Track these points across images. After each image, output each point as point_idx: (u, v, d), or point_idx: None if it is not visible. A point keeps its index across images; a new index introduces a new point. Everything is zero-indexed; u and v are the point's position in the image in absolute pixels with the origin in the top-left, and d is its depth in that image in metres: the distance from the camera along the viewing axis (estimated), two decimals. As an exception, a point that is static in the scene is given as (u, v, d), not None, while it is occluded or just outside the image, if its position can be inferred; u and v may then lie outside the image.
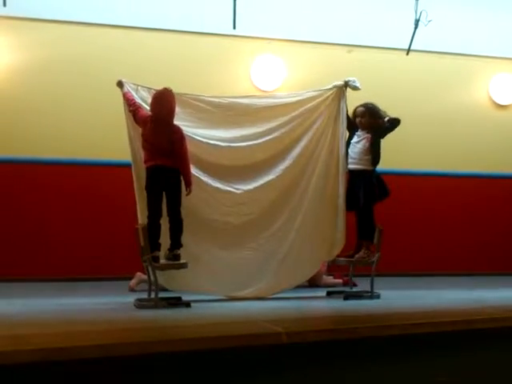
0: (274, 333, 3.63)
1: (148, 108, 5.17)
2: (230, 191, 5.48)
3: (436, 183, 7.80)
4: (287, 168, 5.64)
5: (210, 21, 7.20)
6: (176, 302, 4.96)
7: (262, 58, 7.47)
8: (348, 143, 5.72)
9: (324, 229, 5.67)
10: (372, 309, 4.98)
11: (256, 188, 5.55)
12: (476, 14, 7.84)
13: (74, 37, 6.93)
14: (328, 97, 5.72)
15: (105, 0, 7.08)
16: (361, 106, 5.73)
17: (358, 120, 5.73)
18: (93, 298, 5.49)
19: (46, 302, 5.23)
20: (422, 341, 3.87)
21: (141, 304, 4.91)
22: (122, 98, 5.26)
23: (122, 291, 5.83)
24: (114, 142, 6.34)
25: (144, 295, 5.06)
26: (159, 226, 5.04)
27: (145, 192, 5.08)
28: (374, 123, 5.68)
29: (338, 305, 5.34)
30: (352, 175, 5.69)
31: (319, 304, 5.63)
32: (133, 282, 5.97)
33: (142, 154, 5.14)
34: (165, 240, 5.06)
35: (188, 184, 5.08)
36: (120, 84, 5.28)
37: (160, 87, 5.15)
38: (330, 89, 5.73)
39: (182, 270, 5.06)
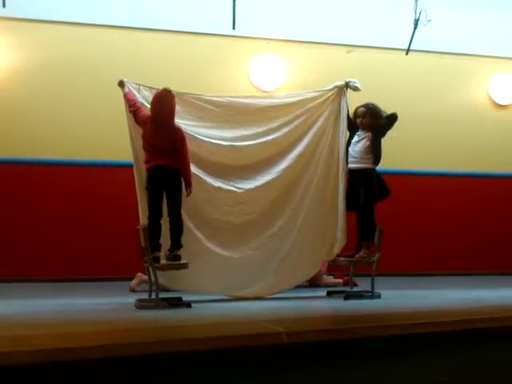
0: (274, 333, 3.63)
1: (150, 108, 5.18)
2: (231, 190, 5.48)
3: (436, 183, 7.80)
4: (288, 168, 5.64)
5: (209, 21, 7.20)
6: (176, 303, 4.96)
7: (262, 58, 7.47)
8: (348, 143, 5.73)
9: (325, 228, 5.67)
10: (372, 309, 4.98)
11: (257, 187, 5.55)
12: (475, 14, 7.83)
13: (73, 37, 6.92)
14: (329, 97, 5.73)
15: (104, 1, 7.08)
16: (362, 106, 5.74)
17: (358, 120, 5.74)
18: (93, 298, 5.49)
19: (45, 303, 5.23)
20: (421, 341, 3.87)
21: (141, 304, 4.91)
22: (121, 99, 5.27)
23: (122, 292, 5.83)
24: (114, 142, 6.37)
25: (145, 296, 5.07)
26: (160, 226, 5.04)
27: (146, 192, 5.09)
28: (374, 123, 5.69)
29: (339, 305, 5.34)
30: (352, 174, 5.70)
31: (319, 304, 5.63)
32: (133, 282, 5.97)
33: (143, 154, 5.15)
34: (165, 240, 5.06)
35: (188, 184, 5.08)
36: (121, 84, 5.28)
37: (160, 87, 5.15)
38: (331, 89, 5.74)
39: (183, 270, 5.06)
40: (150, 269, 4.94)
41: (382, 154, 5.70)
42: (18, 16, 6.78)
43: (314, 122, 5.72)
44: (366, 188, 5.61)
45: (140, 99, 5.26)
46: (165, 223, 5.07)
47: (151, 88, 5.29)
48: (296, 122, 5.69)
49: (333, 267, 6.44)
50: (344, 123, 5.70)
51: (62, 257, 6.71)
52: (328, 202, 5.69)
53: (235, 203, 5.48)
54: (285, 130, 5.66)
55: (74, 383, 3.13)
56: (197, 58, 7.15)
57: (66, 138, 6.87)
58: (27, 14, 6.79)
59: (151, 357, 3.25)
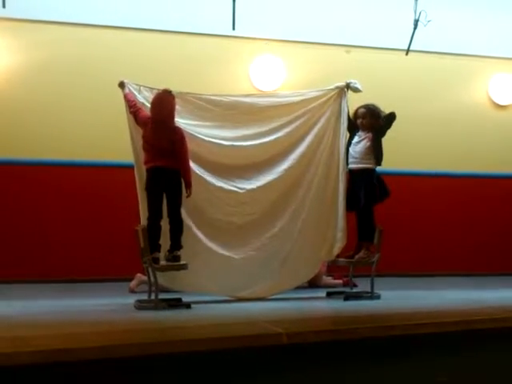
0: (274, 333, 3.62)
1: (151, 108, 5.18)
2: (233, 190, 5.48)
3: (436, 183, 7.80)
4: (290, 168, 5.64)
5: (209, 22, 7.20)
6: (176, 303, 4.95)
7: (261, 59, 7.47)
8: (349, 143, 5.73)
9: (325, 229, 5.67)
10: (372, 309, 4.98)
11: (259, 187, 5.55)
12: (475, 14, 7.82)
13: (73, 38, 6.92)
14: (331, 97, 5.72)
15: (104, 1, 7.08)
16: (362, 107, 5.74)
17: (359, 121, 5.74)
18: (93, 299, 5.49)
19: (45, 304, 5.23)
20: (421, 341, 3.87)
21: (141, 305, 4.91)
22: (121, 99, 5.28)
23: (122, 292, 5.83)
24: (114, 142, 6.37)
25: (144, 296, 5.06)
26: (159, 227, 5.04)
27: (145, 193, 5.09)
28: (375, 124, 5.69)
29: (339, 305, 5.34)
30: (353, 175, 5.70)
31: (319, 305, 5.63)
32: (133, 283, 5.97)
33: (143, 154, 5.15)
34: (165, 241, 5.06)
35: (188, 185, 5.07)
36: (121, 85, 5.28)
37: (160, 88, 5.15)
38: (333, 89, 5.74)
39: (183, 270, 5.05)
40: (150, 269, 4.94)
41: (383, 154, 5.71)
42: (18, 16, 6.77)
43: (315, 123, 5.72)
44: (367, 189, 5.61)
45: (141, 100, 5.26)
46: (165, 224, 5.06)
47: (152, 89, 5.30)
48: (297, 122, 5.69)
49: (332, 268, 6.44)
50: (344, 124, 5.70)
51: (63, 257, 6.70)
52: (328, 202, 5.68)
53: (237, 203, 5.47)
54: (286, 130, 5.66)
55: (74, 384, 3.14)
56: (197, 59, 7.14)
57: (66, 138, 6.87)
58: (27, 15, 6.78)
59: (151, 357, 3.25)
